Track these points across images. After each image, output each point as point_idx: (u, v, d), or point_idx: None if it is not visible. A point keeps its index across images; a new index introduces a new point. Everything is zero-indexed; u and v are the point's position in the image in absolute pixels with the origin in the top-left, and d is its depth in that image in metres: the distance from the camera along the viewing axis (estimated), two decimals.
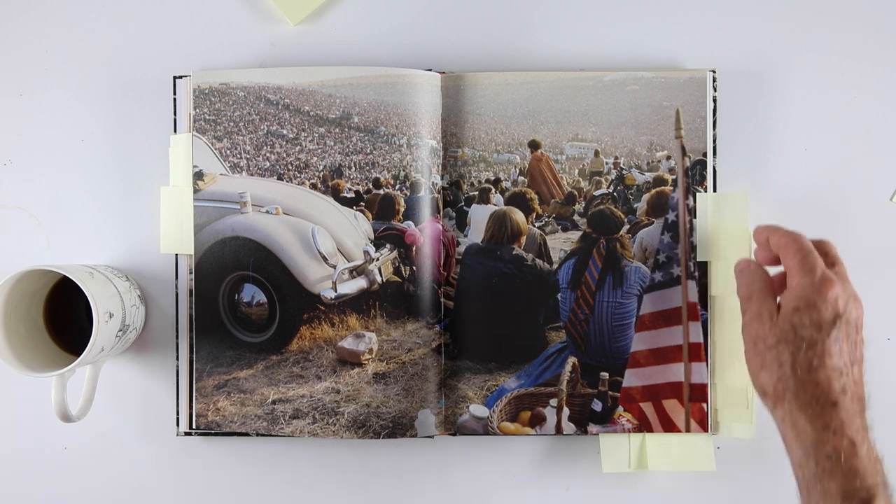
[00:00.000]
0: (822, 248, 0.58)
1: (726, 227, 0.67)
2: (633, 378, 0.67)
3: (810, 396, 0.51)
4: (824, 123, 0.69)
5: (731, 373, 0.66)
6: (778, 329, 0.53)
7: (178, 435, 0.67)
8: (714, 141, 0.68)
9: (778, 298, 0.56)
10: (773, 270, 0.60)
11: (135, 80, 0.69)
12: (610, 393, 0.67)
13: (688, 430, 0.66)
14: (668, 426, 0.67)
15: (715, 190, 0.68)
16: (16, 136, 0.69)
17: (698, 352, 0.66)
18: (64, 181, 0.69)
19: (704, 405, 0.66)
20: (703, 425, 0.66)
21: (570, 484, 0.69)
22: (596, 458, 0.67)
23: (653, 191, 0.68)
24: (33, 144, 0.69)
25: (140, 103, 0.69)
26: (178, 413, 0.67)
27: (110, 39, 0.69)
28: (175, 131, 0.68)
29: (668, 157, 0.68)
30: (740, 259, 0.60)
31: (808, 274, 0.54)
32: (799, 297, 0.53)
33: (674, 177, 0.68)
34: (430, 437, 0.66)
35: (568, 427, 0.67)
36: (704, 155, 0.68)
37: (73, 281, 0.58)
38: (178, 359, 0.67)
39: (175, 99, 0.68)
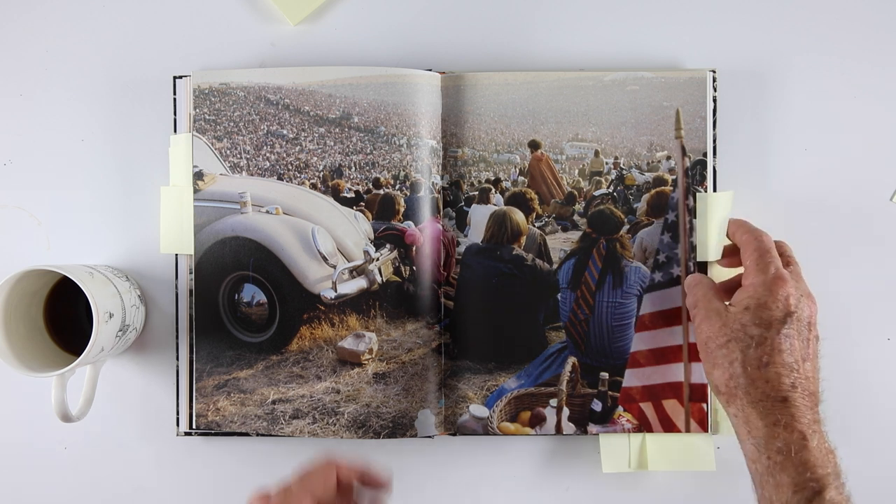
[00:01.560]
0: (778, 249, 0.60)
1: (712, 228, 0.66)
2: (632, 378, 0.67)
3: (760, 393, 0.53)
4: (824, 123, 0.69)
5: None
6: (728, 328, 0.55)
7: (178, 435, 0.67)
8: (714, 141, 0.68)
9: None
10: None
11: (135, 80, 0.69)
12: (610, 393, 0.67)
13: (688, 430, 0.66)
14: (668, 426, 0.66)
15: (715, 190, 0.68)
16: (16, 136, 0.69)
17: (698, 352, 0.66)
18: (64, 181, 0.69)
19: (704, 405, 0.66)
20: (703, 425, 0.66)
21: (570, 484, 0.69)
22: (596, 458, 0.67)
23: (653, 191, 0.68)
24: (33, 144, 0.69)
25: (140, 103, 0.69)
26: (178, 413, 0.67)
27: (110, 39, 0.69)
28: (175, 131, 0.68)
29: (668, 158, 0.68)
30: (690, 275, 0.63)
31: (762, 273, 0.56)
32: (750, 297, 0.55)
33: (674, 177, 0.68)
34: (430, 437, 0.66)
35: (568, 427, 0.67)
36: (704, 155, 0.68)
37: (73, 281, 0.58)
38: (178, 359, 0.67)
39: (175, 99, 0.68)
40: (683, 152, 0.67)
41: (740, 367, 0.54)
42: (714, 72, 0.68)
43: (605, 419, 0.67)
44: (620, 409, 0.67)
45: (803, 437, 0.51)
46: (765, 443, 0.52)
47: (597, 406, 0.67)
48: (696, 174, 0.67)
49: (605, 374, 0.67)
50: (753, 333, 0.54)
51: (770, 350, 0.53)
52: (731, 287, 0.61)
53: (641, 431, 0.67)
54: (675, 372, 0.66)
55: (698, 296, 0.59)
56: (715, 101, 0.68)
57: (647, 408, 0.67)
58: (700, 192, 0.67)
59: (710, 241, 0.66)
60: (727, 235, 0.65)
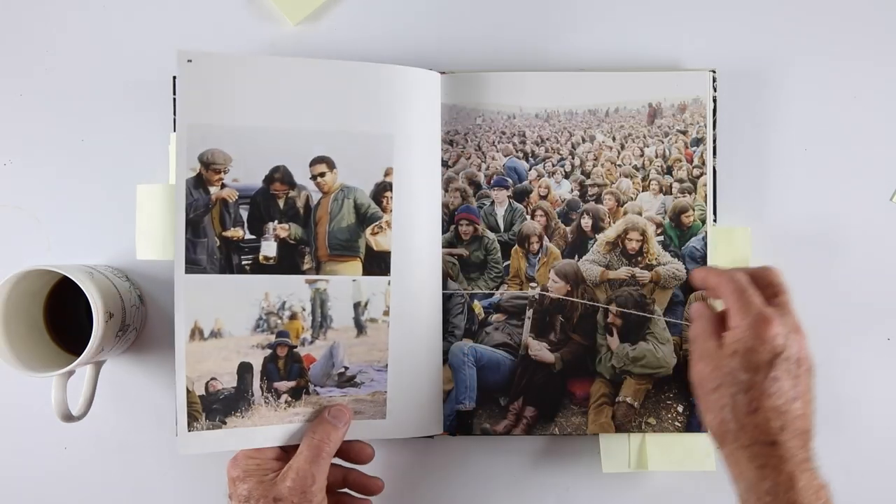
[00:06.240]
0: (765, 277, 0.58)
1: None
2: None
3: (749, 438, 0.52)
4: (824, 123, 0.69)
5: None
6: (719, 372, 0.54)
7: (178, 435, 0.67)
8: (714, 141, 0.68)
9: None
10: None
11: (135, 80, 0.69)
12: None
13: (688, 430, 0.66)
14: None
15: (715, 190, 0.68)
16: (16, 136, 0.69)
17: None
18: (64, 181, 0.69)
19: None
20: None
21: (570, 484, 0.69)
22: (596, 458, 0.67)
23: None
24: (33, 144, 0.69)
25: (140, 103, 0.69)
26: (178, 413, 0.67)
27: (110, 40, 0.69)
28: (175, 131, 0.68)
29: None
30: (694, 304, 0.62)
31: (745, 314, 0.54)
32: (736, 341, 0.54)
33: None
34: (430, 437, 0.66)
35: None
36: (703, 155, 0.68)
37: (73, 281, 0.58)
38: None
39: (175, 99, 0.68)
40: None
41: (730, 413, 0.53)
42: (714, 72, 0.68)
43: None
44: None
45: (791, 478, 0.51)
46: (754, 485, 0.52)
47: None
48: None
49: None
50: (742, 379, 0.53)
51: (759, 395, 0.52)
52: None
53: (642, 430, 0.67)
54: None
55: (697, 332, 0.58)
56: (715, 101, 0.68)
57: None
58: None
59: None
60: (694, 285, 0.64)
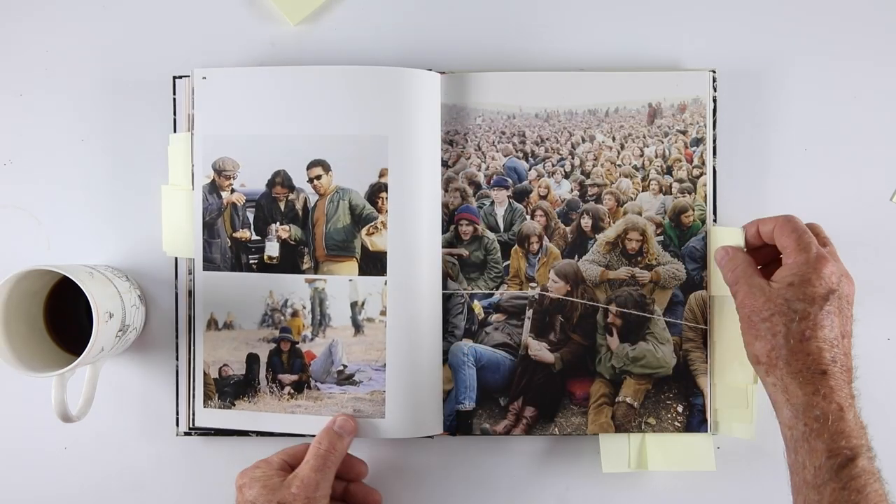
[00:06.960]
0: (814, 229, 0.61)
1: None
2: None
3: (801, 364, 0.54)
4: (824, 123, 0.69)
5: (731, 373, 0.66)
6: (772, 303, 0.56)
7: (177, 435, 0.67)
8: (714, 141, 0.68)
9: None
10: None
11: (135, 80, 0.69)
12: None
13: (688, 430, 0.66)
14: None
15: (715, 190, 0.68)
16: (16, 136, 0.69)
17: None
18: (64, 181, 0.69)
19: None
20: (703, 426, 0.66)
21: (570, 484, 0.69)
22: (596, 458, 0.67)
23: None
24: (33, 144, 0.69)
25: (140, 103, 0.69)
26: (177, 413, 0.67)
27: (110, 40, 0.69)
28: (174, 131, 0.68)
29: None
30: (717, 249, 0.63)
31: (804, 251, 0.57)
32: (794, 273, 0.57)
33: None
34: (429, 437, 0.66)
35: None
36: (703, 156, 0.68)
37: (73, 281, 0.58)
38: (177, 359, 0.67)
39: (175, 99, 0.68)
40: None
41: (783, 339, 0.55)
42: (714, 72, 0.68)
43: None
44: None
45: (840, 408, 0.53)
46: (803, 410, 0.54)
47: None
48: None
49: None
50: (797, 308, 0.55)
51: (813, 325, 0.55)
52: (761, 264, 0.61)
53: (642, 430, 0.67)
54: None
55: (738, 273, 0.60)
56: (715, 101, 0.68)
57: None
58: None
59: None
60: (758, 231, 0.63)
